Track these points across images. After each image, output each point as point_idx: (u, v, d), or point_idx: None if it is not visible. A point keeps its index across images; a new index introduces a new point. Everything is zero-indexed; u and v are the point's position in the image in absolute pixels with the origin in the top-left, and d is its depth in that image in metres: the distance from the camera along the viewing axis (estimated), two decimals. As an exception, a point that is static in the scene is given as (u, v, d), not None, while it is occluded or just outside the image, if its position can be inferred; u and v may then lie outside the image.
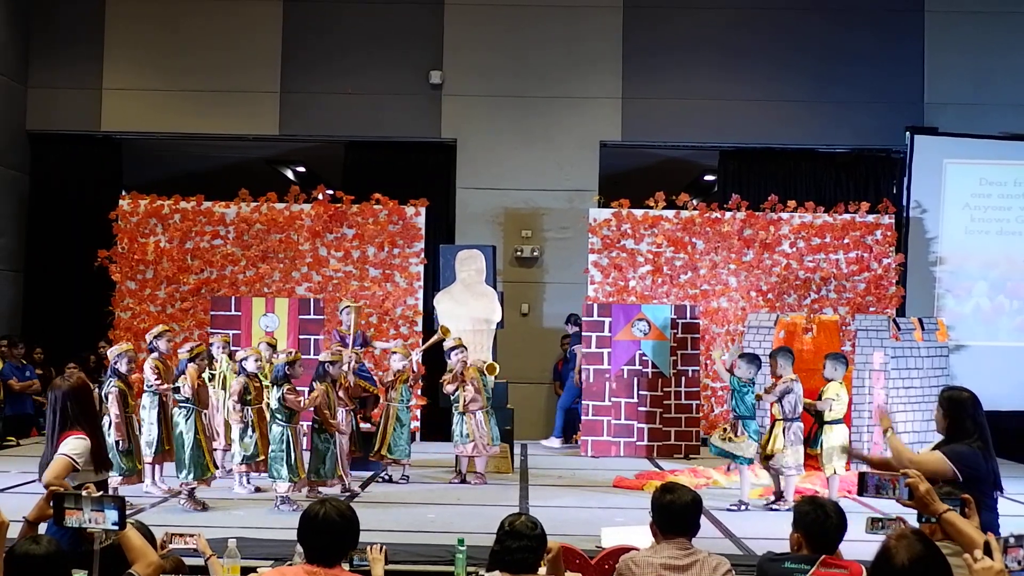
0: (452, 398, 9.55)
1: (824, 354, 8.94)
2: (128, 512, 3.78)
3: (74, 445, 4.51)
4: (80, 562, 3.77)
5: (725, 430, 8.41)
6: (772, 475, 8.38)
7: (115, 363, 8.10)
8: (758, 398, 8.40)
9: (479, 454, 9.40)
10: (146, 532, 3.96)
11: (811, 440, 8.34)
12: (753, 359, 8.58)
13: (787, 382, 8.26)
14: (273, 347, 9.74)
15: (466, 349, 9.68)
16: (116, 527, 3.53)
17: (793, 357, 8.61)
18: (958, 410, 4.88)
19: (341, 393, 8.89)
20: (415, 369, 9.71)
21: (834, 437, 8.23)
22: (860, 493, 3.63)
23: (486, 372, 9.66)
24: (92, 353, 12.53)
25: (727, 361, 8.66)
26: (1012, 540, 3.18)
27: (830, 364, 8.45)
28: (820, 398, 8.30)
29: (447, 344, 9.76)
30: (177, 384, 8.10)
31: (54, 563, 3.34)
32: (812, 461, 8.50)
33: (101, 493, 3.62)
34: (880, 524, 3.72)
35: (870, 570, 3.13)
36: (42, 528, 3.84)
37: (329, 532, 3.59)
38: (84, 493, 3.62)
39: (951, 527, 3.42)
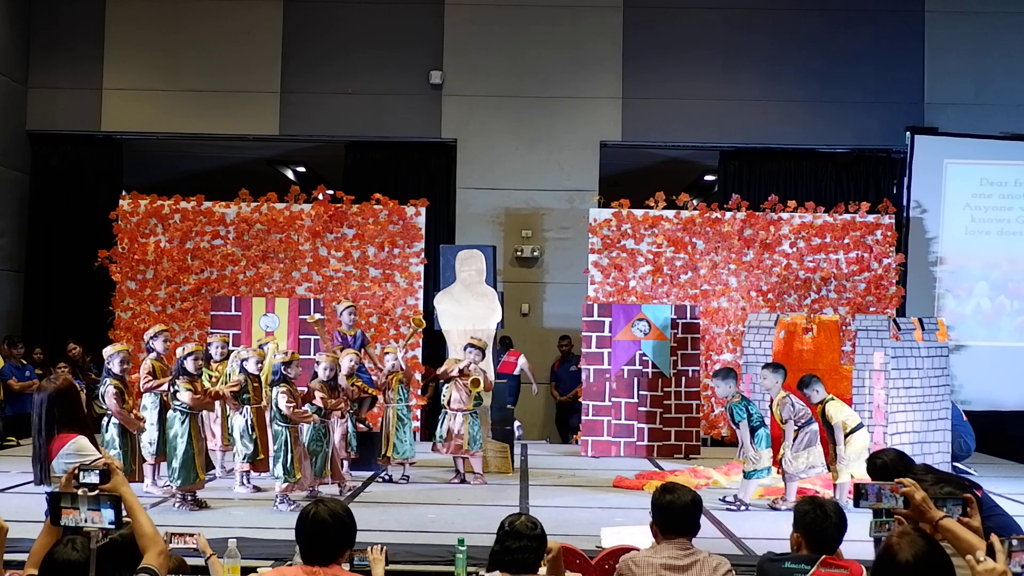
0: (441, 393, 9.53)
1: (822, 359, 8.85)
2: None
3: (80, 445, 4.46)
4: None
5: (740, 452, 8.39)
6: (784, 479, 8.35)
7: (108, 363, 8.06)
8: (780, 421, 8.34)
9: (453, 454, 9.37)
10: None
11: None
12: (728, 374, 8.44)
13: (800, 412, 8.21)
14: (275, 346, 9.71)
15: (482, 354, 9.66)
16: (112, 526, 3.51)
17: (784, 373, 8.49)
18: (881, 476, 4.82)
19: (342, 406, 8.85)
20: (403, 366, 9.66)
21: (854, 444, 8.18)
22: (856, 504, 3.58)
23: (469, 386, 9.57)
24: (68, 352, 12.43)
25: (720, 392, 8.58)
26: (1015, 543, 3.15)
27: (809, 387, 8.27)
28: (824, 419, 8.24)
29: (462, 341, 9.78)
30: (177, 387, 8.04)
31: None
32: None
33: (97, 492, 3.59)
34: (886, 527, 3.70)
35: (873, 568, 3.12)
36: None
37: (320, 533, 3.58)
38: (80, 492, 3.59)
39: (948, 533, 3.37)
